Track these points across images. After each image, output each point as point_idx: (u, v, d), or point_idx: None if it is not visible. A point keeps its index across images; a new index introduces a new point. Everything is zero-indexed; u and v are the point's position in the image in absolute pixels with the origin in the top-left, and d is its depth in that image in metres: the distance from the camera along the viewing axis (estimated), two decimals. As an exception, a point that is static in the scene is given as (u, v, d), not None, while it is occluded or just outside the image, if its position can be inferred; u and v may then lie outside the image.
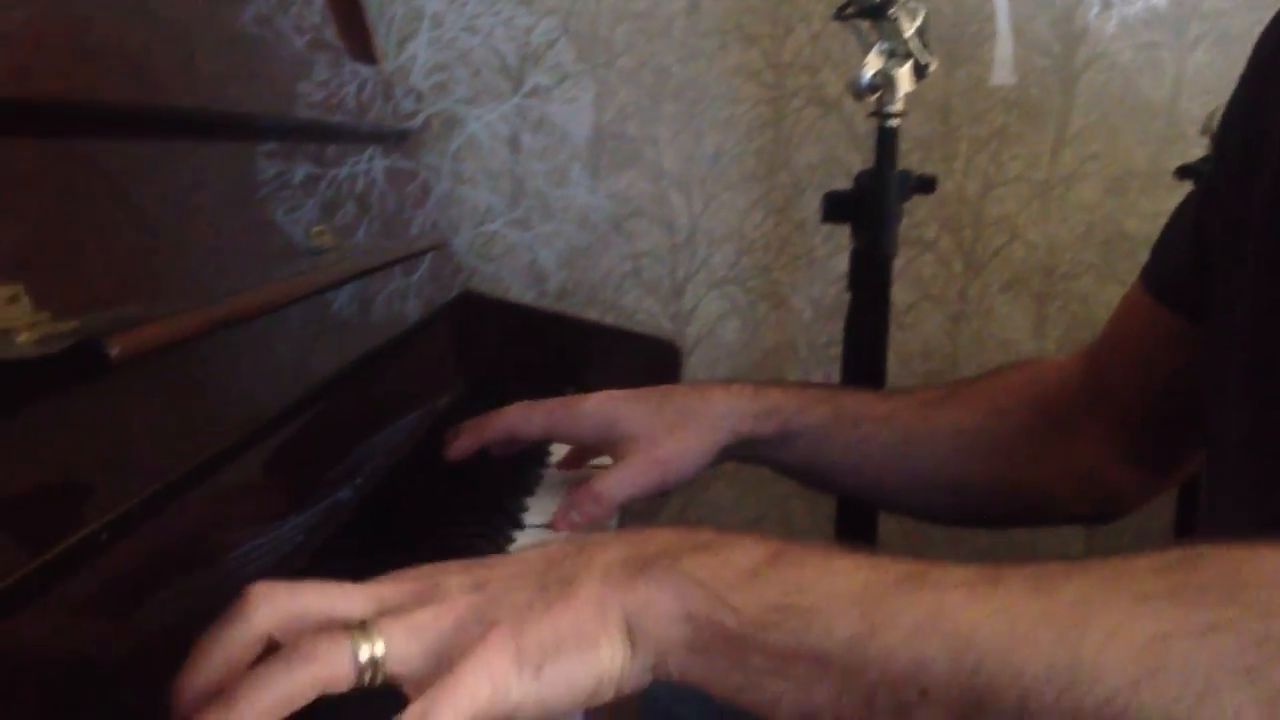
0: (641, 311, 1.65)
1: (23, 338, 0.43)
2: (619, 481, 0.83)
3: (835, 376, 1.41)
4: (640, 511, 0.91)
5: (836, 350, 1.37)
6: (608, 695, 0.47)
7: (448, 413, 1.11)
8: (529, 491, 0.91)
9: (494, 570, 0.50)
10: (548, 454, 1.03)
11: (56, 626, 0.50)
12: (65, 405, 0.52)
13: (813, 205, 1.38)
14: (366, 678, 0.46)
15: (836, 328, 1.46)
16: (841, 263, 1.36)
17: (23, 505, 0.50)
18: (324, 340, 0.91)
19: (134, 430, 0.61)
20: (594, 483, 0.83)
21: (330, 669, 0.45)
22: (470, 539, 0.77)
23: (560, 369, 1.20)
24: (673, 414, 0.86)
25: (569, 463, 0.96)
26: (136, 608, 0.56)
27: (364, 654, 0.45)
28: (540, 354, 1.25)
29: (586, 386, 0.94)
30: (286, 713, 0.45)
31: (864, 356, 1.29)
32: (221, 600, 0.58)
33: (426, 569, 0.52)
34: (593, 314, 1.60)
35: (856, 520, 1.30)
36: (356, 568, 0.69)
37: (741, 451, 0.89)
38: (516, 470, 0.93)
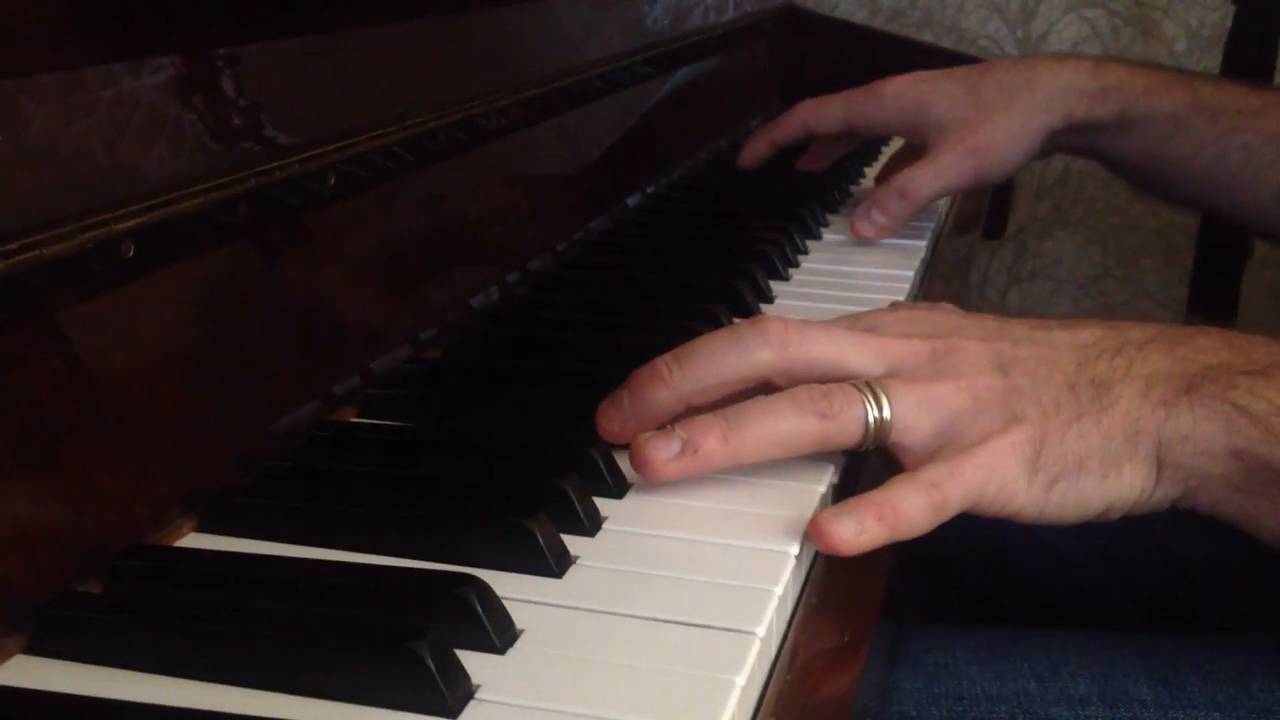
0: (985, 36, 1.50)
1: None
2: (927, 174, 0.76)
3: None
4: (947, 252, 0.82)
5: (1212, 86, 1.21)
6: (1114, 517, 0.44)
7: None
8: (832, 208, 0.86)
9: (1019, 349, 0.45)
10: (860, 174, 0.97)
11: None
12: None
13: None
14: (869, 441, 0.43)
15: (1214, 61, 1.31)
16: (1228, -17, 1.20)
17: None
18: (621, 28, 0.86)
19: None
20: (898, 177, 0.77)
21: (839, 427, 0.43)
22: (759, 245, 0.72)
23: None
24: (993, 92, 0.77)
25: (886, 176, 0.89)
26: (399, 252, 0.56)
27: (872, 416, 0.43)
28: (866, 79, 1.16)
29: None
30: (782, 455, 0.43)
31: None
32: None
33: (940, 322, 0.48)
34: (928, 37, 1.47)
35: (1216, 277, 1.17)
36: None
37: (1072, 140, 0.79)
38: (820, 184, 0.89)
